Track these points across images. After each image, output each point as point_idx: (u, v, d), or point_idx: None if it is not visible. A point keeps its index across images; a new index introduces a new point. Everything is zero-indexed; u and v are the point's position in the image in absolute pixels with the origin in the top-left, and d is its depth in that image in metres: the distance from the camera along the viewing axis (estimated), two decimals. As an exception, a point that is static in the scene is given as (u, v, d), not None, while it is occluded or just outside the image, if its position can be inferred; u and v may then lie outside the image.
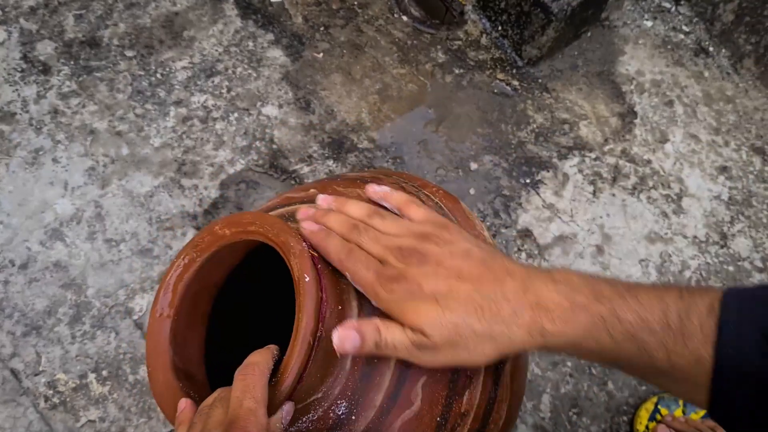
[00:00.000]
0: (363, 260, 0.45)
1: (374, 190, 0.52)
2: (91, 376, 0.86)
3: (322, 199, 0.51)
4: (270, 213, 0.52)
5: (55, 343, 0.87)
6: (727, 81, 1.24)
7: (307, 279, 0.42)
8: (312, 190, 0.54)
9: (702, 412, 0.94)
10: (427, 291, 0.43)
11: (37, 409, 0.84)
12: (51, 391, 0.85)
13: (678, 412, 0.94)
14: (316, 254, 0.45)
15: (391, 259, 0.45)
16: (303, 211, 0.50)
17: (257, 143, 1.04)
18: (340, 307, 0.45)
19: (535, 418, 0.93)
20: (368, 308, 0.45)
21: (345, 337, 0.43)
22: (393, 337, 0.43)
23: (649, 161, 1.14)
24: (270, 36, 1.13)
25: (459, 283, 0.43)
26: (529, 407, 0.94)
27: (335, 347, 0.43)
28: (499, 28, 1.19)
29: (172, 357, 0.46)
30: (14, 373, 0.85)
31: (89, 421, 0.84)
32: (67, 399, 0.85)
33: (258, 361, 0.41)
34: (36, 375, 0.85)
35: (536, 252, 1.03)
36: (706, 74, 1.24)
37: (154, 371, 0.45)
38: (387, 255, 0.45)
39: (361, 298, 0.45)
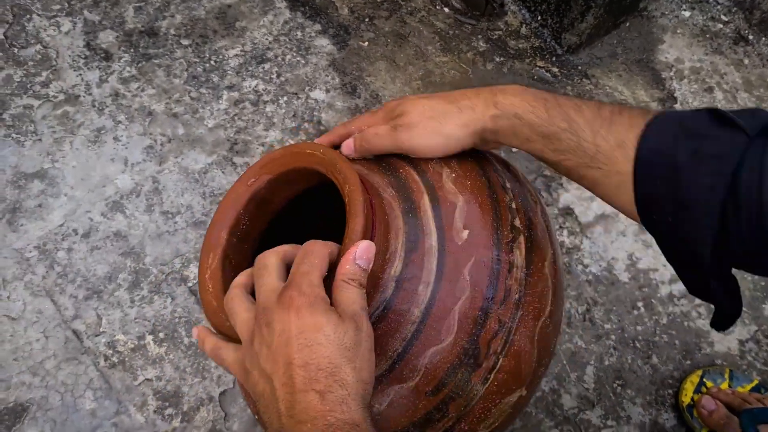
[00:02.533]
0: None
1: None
2: (149, 338, 0.90)
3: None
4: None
5: (115, 306, 0.91)
6: (768, 68, 1.25)
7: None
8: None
9: (749, 386, 0.94)
10: (411, 97, 0.57)
11: (97, 368, 0.87)
12: (110, 351, 0.89)
13: (724, 385, 0.94)
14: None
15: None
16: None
17: (306, 125, 1.08)
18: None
19: (579, 389, 0.94)
20: (413, 223, 0.51)
21: (344, 145, 0.57)
22: (375, 130, 0.55)
23: (689, 144, 1.14)
24: (317, 26, 1.18)
25: (433, 94, 0.56)
26: (573, 378, 0.94)
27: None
28: (539, 17, 1.22)
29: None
30: (76, 333, 0.89)
31: (146, 379, 0.88)
32: (126, 358, 0.88)
33: (321, 242, 0.46)
34: (96, 336, 0.89)
35: (578, 230, 1.05)
36: (746, 62, 1.25)
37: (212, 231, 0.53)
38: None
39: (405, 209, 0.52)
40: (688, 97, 1.19)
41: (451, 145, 0.54)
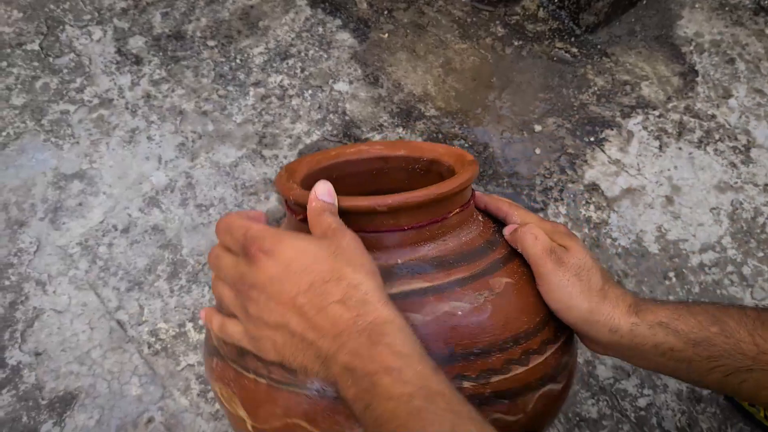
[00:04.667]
0: None
1: None
2: (189, 325, 0.93)
3: None
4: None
5: (156, 296, 0.94)
6: (790, 37, 1.24)
7: None
8: None
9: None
10: (581, 243, 0.57)
11: (141, 355, 0.90)
12: (153, 339, 0.92)
13: (761, 350, 0.94)
14: None
15: None
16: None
17: (331, 116, 1.11)
18: None
19: (613, 360, 0.94)
20: None
21: (509, 227, 0.57)
22: (539, 232, 0.55)
23: (713, 116, 1.15)
24: (338, 21, 1.21)
25: (597, 260, 0.57)
26: (607, 349, 0.95)
27: None
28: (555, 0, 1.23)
29: None
30: (120, 323, 0.92)
31: (188, 365, 0.90)
32: (168, 345, 0.91)
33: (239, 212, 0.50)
34: (139, 325, 0.92)
35: (605, 204, 1.05)
36: None
37: None
38: None
39: None
40: (710, 70, 1.20)
41: (569, 313, 0.51)
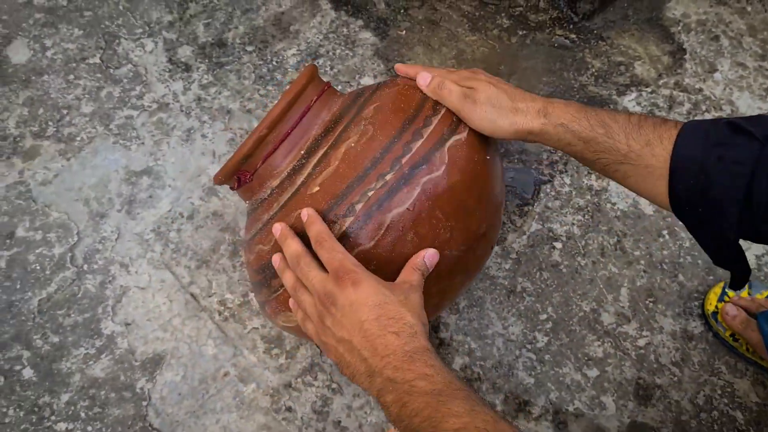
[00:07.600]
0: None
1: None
2: (251, 295, 1.09)
3: None
4: None
5: (221, 272, 1.11)
6: (769, 13, 1.37)
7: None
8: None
9: (766, 293, 1.08)
10: (484, 78, 0.72)
11: (213, 321, 1.07)
12: (222, 308, 1.08)
13: (744, 294, 1.08)
14: None
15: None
16: None
17: (359, 108, 1.26)
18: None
19: (616, 308, 1.10)
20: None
21: (421, 76, 0.71)
22: (451, 87, 0.69)
23: (700, 89, 1.28)
24: (360, 22, 1.36)
25: (501, 82, 0.71)
26: (609, 299, 1.10)
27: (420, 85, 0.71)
28: (555, -9, 1.37)
29: None
30: (193, 296, 1.09)
31: (254, 328, 1.07)
32: (236, 312, 1.08)
33: (324, 229, 0.67)
34: (209, 296, 1.09)
35: (605, 173, 1.20)
36: (749, 9, 1.37)
37: None
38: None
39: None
40: (696, 47, 1.33)
41: (496, 133, 0.68)
